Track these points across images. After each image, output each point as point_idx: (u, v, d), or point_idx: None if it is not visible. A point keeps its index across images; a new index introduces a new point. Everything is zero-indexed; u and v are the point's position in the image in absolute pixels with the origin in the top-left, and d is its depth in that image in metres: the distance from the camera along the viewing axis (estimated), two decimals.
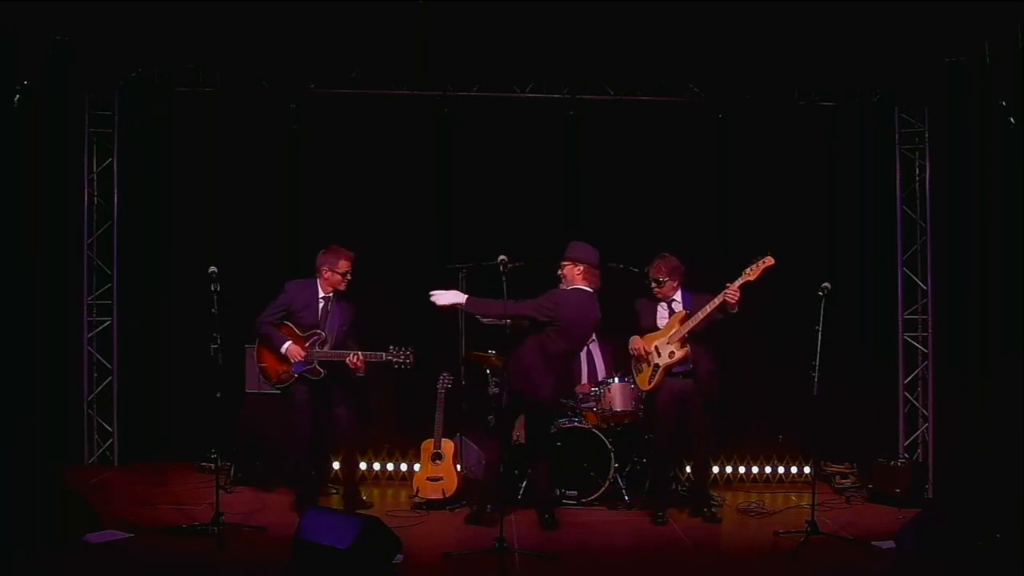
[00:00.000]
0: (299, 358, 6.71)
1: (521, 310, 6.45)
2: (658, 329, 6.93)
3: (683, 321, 6.79)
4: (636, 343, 6.97)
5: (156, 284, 8.49)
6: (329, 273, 6.84)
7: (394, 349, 6.70)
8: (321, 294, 6.87)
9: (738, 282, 6.55)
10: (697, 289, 6.93)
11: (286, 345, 6.73)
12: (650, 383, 6.87)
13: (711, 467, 7.56)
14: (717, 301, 6.60)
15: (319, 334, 6.78)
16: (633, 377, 7.10)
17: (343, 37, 7.50)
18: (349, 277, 6.86)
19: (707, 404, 6.88)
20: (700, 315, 6.68)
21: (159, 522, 6.48)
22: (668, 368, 6.81)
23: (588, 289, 6.62)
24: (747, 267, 6.56)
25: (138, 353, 8.44)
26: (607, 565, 6.07)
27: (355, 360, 6.69)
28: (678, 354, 6.77)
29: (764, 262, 6.51)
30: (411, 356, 6.70)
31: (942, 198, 7.91)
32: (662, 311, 6.97)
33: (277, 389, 6.90)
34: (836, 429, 8.11)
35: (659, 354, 6.84)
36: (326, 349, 6.77)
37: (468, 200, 8.41)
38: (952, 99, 7.34)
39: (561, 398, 7.14)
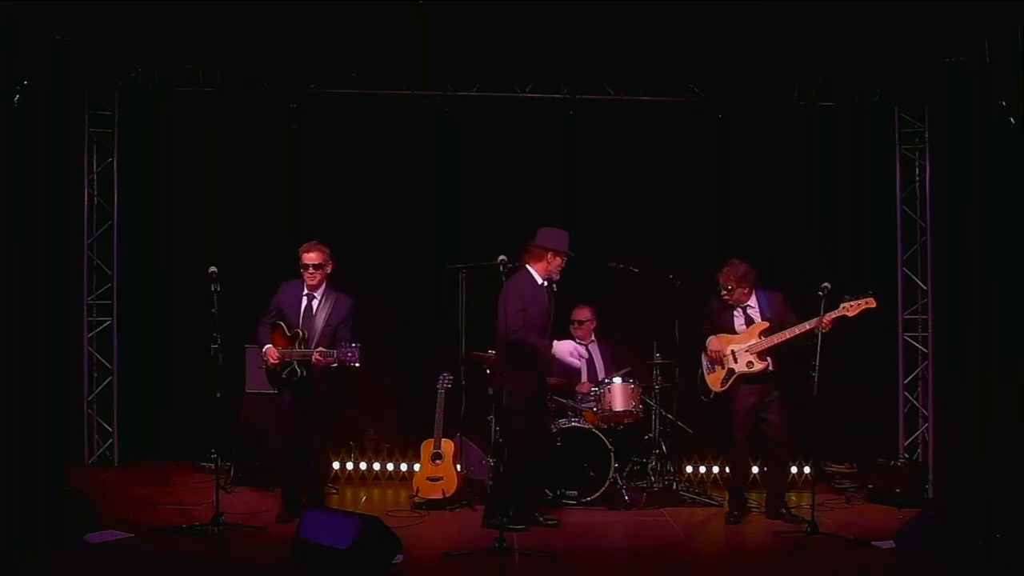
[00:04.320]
0: (274, 360, 6.59)
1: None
2: (735, 333, 6.86)
3: (764, 334, 6.72)
4: (715, 344, 6.86)
5: (156, 284, 8.50)
6: (301, 268, 6.70)
7: (343, 346, 6.38)
8: (304, 291, 6.70)
9: (833, 315, 6.50)
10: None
11: (266, 347, 6.65)
12: (722, 386, 6.82)
13: (789, 467, 7.53)
14: (807, 327, 6.55)
15: (299, 333, 6.61)
16: (703, 376, 6.96)
17: (343, 37, 7.51)
18: (313, 271, 6.61)
19: (785, 403, 6.80)
20: (786, 335, 6.64)
21: (159, 522, 6.48)
22: (743, 376, 6.76)
23: (528, 270, 6.57)
24: (847, 301, 6.53)
25: (138, 353, 8.46)
26: (607, 565, 6.07)
27: (319, 358, 6.45)
28: (757, 366, 6.71)
29: (866, 303, 6.51)
30: (356, 352, 6.33)
31: (942, 198, 7.91)
32: (738, 317, 6.88)
33: (275, 390, 6.82)
34: (836, 429, 8.11)
35: (735, 359, 6.78)
36: (300, 349, 6.57)
37: (468, 200, 8.41)
38: (952, 99, 7.33)
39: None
